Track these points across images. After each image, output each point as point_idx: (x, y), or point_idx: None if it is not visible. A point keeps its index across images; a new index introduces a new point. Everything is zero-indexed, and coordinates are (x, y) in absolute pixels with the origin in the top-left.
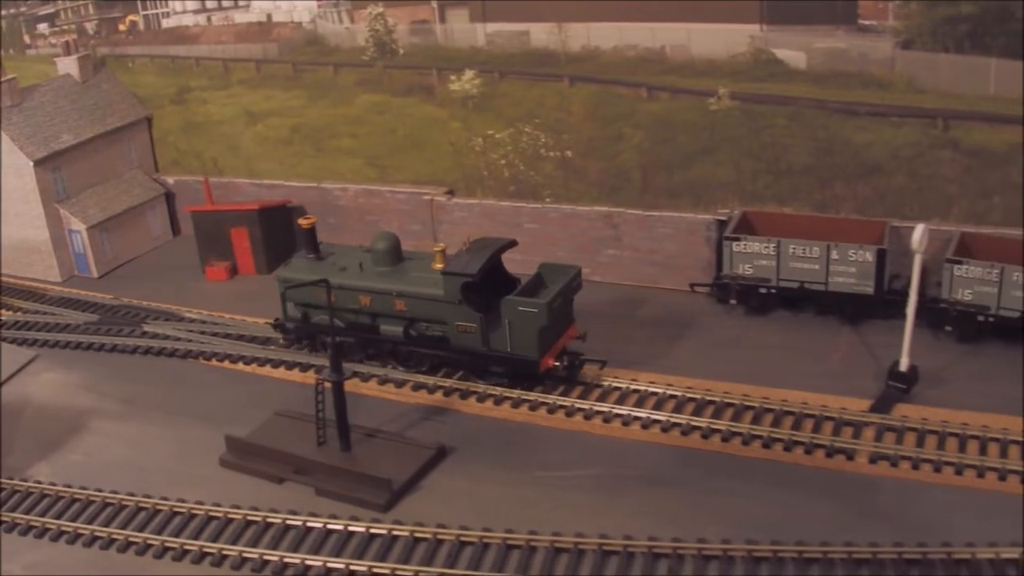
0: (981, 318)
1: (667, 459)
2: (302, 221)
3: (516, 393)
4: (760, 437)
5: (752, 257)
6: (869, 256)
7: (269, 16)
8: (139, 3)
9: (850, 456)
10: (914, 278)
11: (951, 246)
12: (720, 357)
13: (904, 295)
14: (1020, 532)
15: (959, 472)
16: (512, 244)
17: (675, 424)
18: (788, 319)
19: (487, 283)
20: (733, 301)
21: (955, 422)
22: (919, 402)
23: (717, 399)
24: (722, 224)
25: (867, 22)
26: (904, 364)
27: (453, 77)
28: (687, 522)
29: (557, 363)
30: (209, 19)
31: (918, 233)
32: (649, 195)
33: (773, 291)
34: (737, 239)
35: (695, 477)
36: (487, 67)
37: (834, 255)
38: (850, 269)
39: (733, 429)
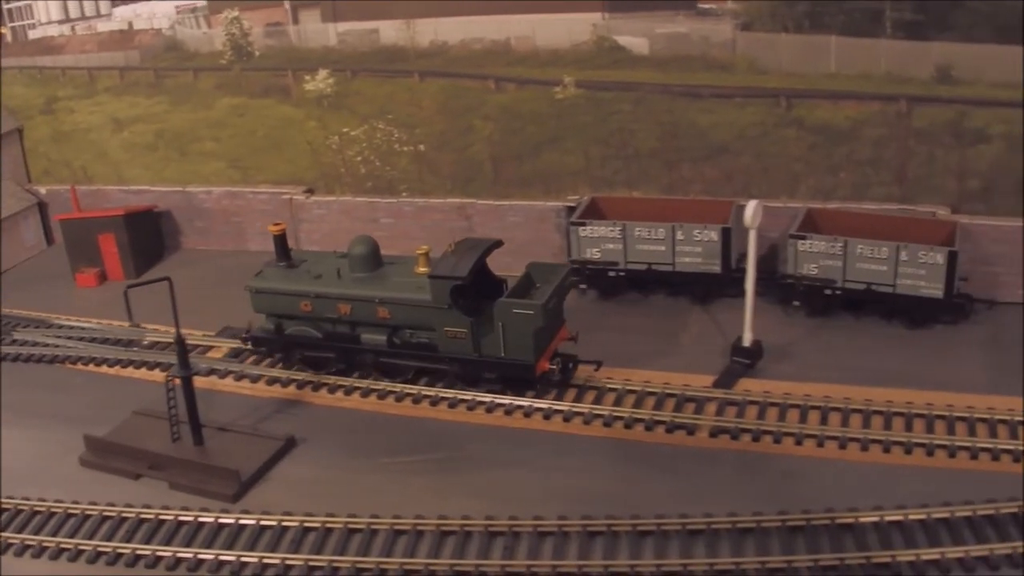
0: (828, 292)
1: (509, 440)
2: (271, 228)
3: (364, 383)
4: (602, 416)
5: (599, 241)
6: (714, 236)
7: (130, 24)
8: (5, 15)
9: (691, 431)
10: (750, 254)
11: (796, 222)
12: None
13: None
14: (859, 499)
15: (799, 442)
16: (498, 244)
17: (518, 407)
18: (639, 301)
19: (475, 286)
20: (583, 286)
21: (798, 394)
22: (764, 376)
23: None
24: (571, 210)
25: (707, 6)
26: (747, 339)
27: (308, 77)
28: (525, 501)
29: (553, 366)
30: (73, 29)
31: (750, 209)
32: (501, 185)
33: (622, 274)
34: (583, 224)
35: (535, 457)
36: (340, 66)
37: (679, 236)
38: (696, 249)
39: (575, 409)
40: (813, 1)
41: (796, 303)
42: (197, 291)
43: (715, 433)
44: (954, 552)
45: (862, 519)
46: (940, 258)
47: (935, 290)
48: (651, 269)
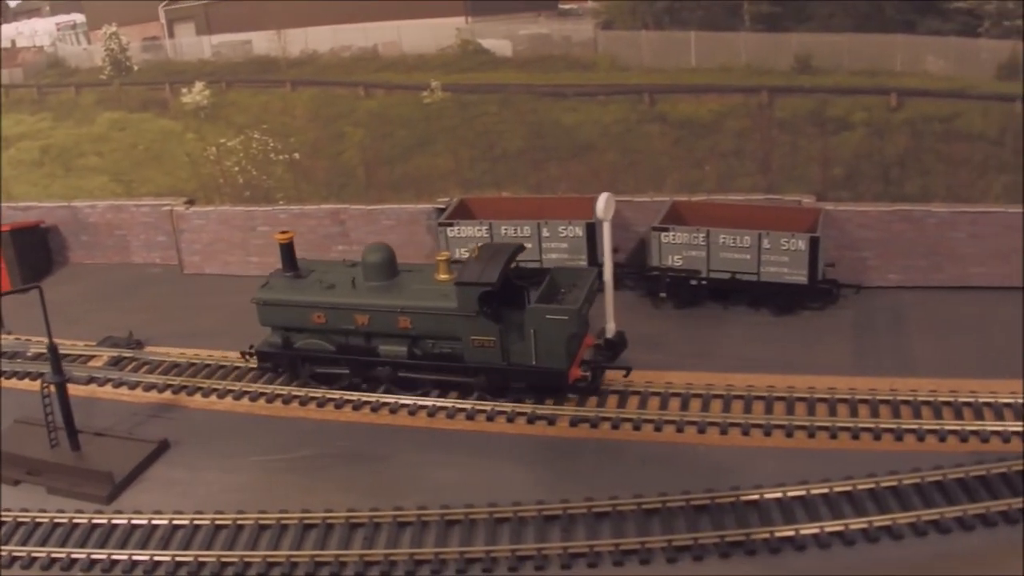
0: (693, 282)
1: (375, 437)
2: (278, 236)
3: (238, 386)
4: (464, 410)
5: (468, 241)
6: (579, 231)
7: (13, 42)
8: None
9: (551, 422)
10: (605, 246)
11: (660, 215)
12: None
13: (622, 267)
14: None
15: (658, 428)
16: (521, 249)
17: (384, 404)
18: None
19: (501, 292)
20: None
21: (659, 382)
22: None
23: None
24: (440, 212)
25: (568, 6)
26: (610, 331)
27: (184, 90)
28: (387, 493)
29: (585, 373)
30: None
31: (601, 202)
32: (373, 190)
33: None
34: (451, 225)
35: (399, 452)
36: (215, 78)
37: (545, 232)
38: (562, 245)
39: (439, 405)
40: None
41: (663, 295)
42: (82, 303)
43: (575, 423)
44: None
45: (719, 500)
46: (802, 244)
47: (799, 276)
48: (520, 266)
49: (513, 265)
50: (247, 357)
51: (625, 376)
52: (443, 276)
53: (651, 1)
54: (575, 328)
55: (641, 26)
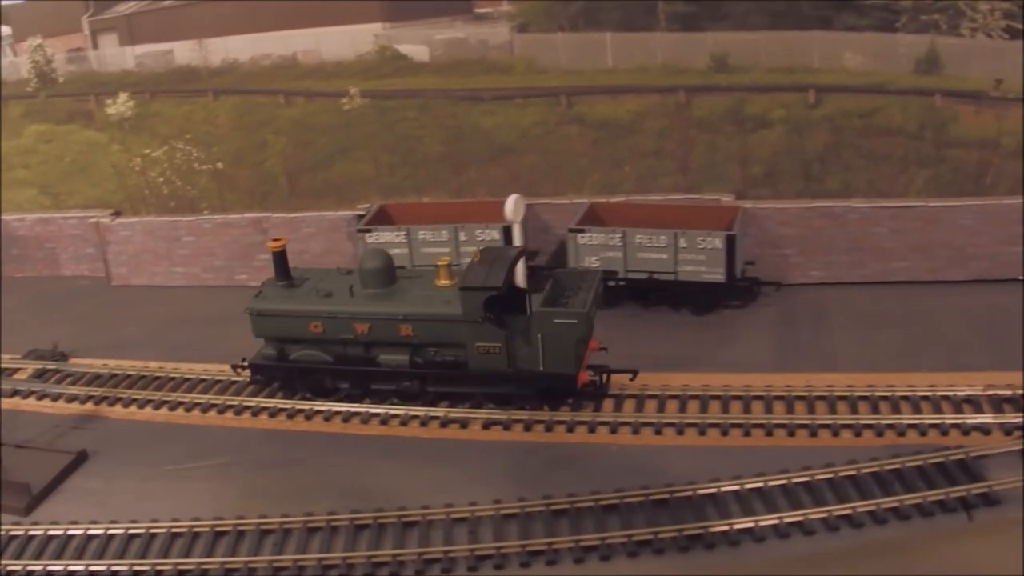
0: (612, 283)
1: (287, 443)
2: (271, 244)
3: (158, 395)
4: (378, 415)
5: (387, 247)
6: (496, 235)
7: None
8: None
9: (464, 424)
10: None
11: (577, 216)
12: None
13: (543, 269)
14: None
15: (570, 430)
16: (523, 253)
17: (299, 410)
18: None
19: (505, 297)
20: None
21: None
22: None
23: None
24: (360, 218)
25: (483, 9)
26: None
27: (109, 101)
28: (298, 499)
29: (594, 377)
30: None
31: (510, 204)
32: (296, 197)
33: None
34: (369, 231)
35: (311, 457)
36: (139, 89)
37: (462, 236)
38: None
39: (352, 410)
40: None
41: None
42: (10, 317)
43: (488, 425)
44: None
45: (628, 499)
46: (719, 243)
47: (717, 275)
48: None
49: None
50: (239, 371)
51: (631, 379)
52: (444, 282)
53: (567, 2)
54: (584, 332)
55: (557, 28)
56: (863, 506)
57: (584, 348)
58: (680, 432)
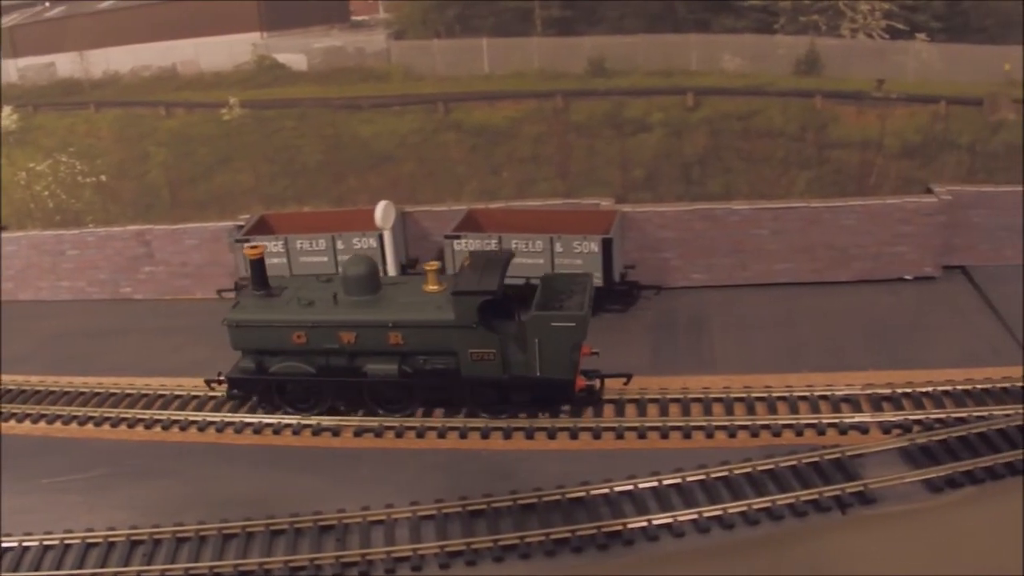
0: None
1: (164, 454)
2: (248, 251)
3: (36, 409)
4: (251, 424)
5: (267, 257)
6: (372, 242)
7: None
8: None
9: (336, 433)
10: (388, 255)
11: (453, 223)
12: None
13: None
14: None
15: (441, 435)
16: (512, 256)
17: (175, 421)
18: None
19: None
20: None
21: None
22: None
23: (201, 395)
24: (240, 229)
25: (360, 18)
26: None
27: None
28: (170, 509)
29: (591, 382)
30: None
31: (379, 210)
32: (178, 209)
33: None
34: (247, 241)
35: (185, 468)
36: (22, 102)
37: (340, 245)
38: None
39: (226, 420)
40: (463, 4)
41: None
42: None
43: (359, 433)
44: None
45: (495, 504)
46: (595, 247)
47: (595, 279)
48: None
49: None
50: (213, 386)
51: (625, 384)
52: (433, 287)
53: (442, 8)
54: (581, 336)
55: (433, 35)
56: (734, 506)
57: (578, 353)
58: (551, 436)
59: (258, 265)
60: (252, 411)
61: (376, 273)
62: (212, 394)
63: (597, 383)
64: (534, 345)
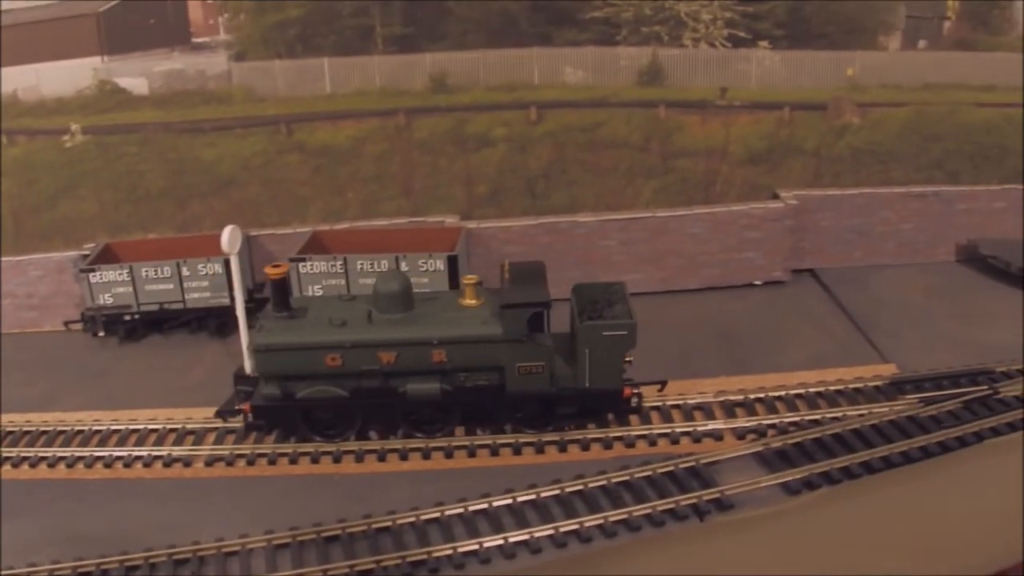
0: None
1: (19, 491)
2: (270, 270)
3: None
4: (102, 458)
5: (111, 286)
6: (218, 268)
7: None
8: None
9: (187, 463)
10: (235, 279)
11: (299, 246)
12: (88, 389)
13: (268, 301)
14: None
15: (294, 461)
16: (544, 266)
17: (24, 457)
18: (160, 342)
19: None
20: (101, 333)
21: None
22: None
23: (68, 428)
24: (85, 259)
25: (201, 39)
26: (249, 367)
27: None
28: (23, 550)
29: (636, 391)
30: None
31: (225, 235)
32: (23, 239)
33: (136, 316)
34: (92, 270)
35: (37, 505)
36: None
37: (185, 272)
38: (203, 283)
39: (77, 454)
40: (304, 23)
41: None
42: None
43: (211, 462)
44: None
45: (350, 529)
46: (441, 264)
47: None
48: (163, 308)
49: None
50: (227, 418)
51: (660, 391)
52: (471, 301)
53: (283, 29)
54: (631, 343)
55: (274, 55)
56: (591, 520)
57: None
58: (403, 458)
59: (280, 286)
60: (102, 444)
61: (410, 289)
62: (60, 428)
63: (642, 391)
64: (584, 355)
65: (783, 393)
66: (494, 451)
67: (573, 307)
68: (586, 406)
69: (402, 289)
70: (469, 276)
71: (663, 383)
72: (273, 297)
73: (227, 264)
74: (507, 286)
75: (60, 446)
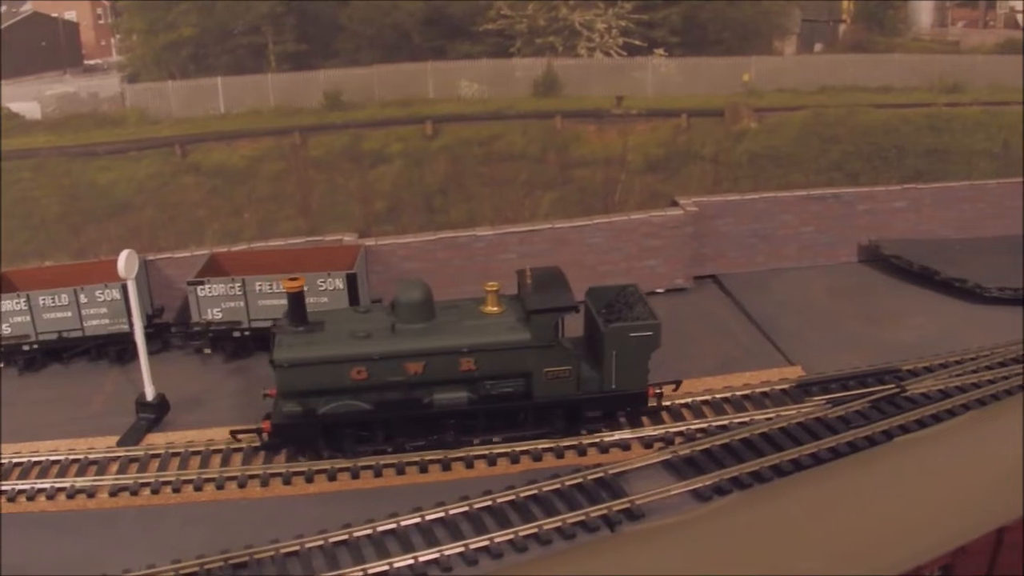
0: (236, 334)
1: None
2: (287, 283)
3: None
4: (5, 492)
5: (8, 316)
6: (116, 294)
7: None
8: None
9: (91, 494)
10: (133, 305)
11: (197, 269)
12: None
13: (171, 326)
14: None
15: (199, 488)
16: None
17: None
18: (60, 371)
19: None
20: (0, 364)
21: (201, 440)
22: (173, 428)
23: None
24: None
25: (93, 61)
26: (150, 394)
27: None
28: None
29: (658, 390)
30: None
31: (122, 260)
32: None
33: (35, 346)
34: None
35: None
36: None
37: (83, 299)
38: (102, 310)
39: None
40: (196, 43)
41: (208, 350)
42: None
43: (115, 492)
44: None
45: (258, 555)
46: (340, 283)
47: None
48: (63, 337)
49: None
50: (239, 437)
51: (674, 390)
52: (493, 308)
53: (175, 50)
54: (657, 343)
55: (167, 76)
56: (501, 535)
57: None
58: (309, 480)
59: (297, 299)
60: (5, 478)
61: (432, 298)
62: None
63: (663, 389)
64: (611, 358)
65: (689, 400)
66: (400, 470)
67: (591, 310)
68: (612, 408)
69: (425, 299)
70: (491, 283)
71: (678, 383)
72: (289, 311)
73: (125, 290)
74: (531, 292)
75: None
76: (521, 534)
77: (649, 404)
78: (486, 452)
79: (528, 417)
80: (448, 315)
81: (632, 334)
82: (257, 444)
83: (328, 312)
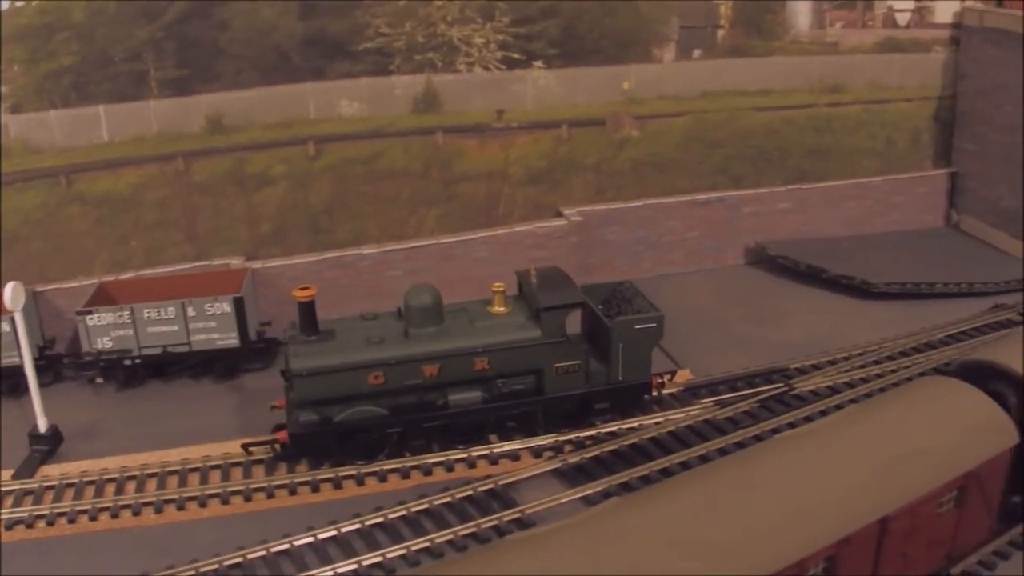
0: (128, 362)
1: None
2: (298, 293)
3: None
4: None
5: None
6: (5, 326)
7: None
8: None
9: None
10: (21, 338)
11: (86, 299)
12: None
13: (62, 357)
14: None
15: (93, 518)
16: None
17: None
18: None
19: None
20: None
21: (95, 470)
22: (68, 459)
23: None
24: None
25: None
26: (42, 426)
27: None
28: None
29: (660, 380)
30: None
31: (8, 292)
32: None
33: None
34: None
35: None
36: None
37: None
38: None
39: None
40: (77, 72)
41: (100, 380)
42: None
43: (11, 526)
44: None
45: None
46: (227, 307)
47: (230, 340)
48: None
49: None
50: (250, 450)
51: (670, 380)
52: (500, 308)
53: (57, 79)
54: (660, 335)
55: (49, 106)
56: (393, 551)
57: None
58: (203, 505)
59: (308, 308)
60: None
61: (441, 303)
62: None
63: (664, 379)
64: (617, 351)
65: None
66: (292, 490)
67: (591, 307)
68: (618, 399)
69: (435, 303)
70: (497, 284)
71: (673, 372)
72: (301, 321)
73: (12, 322)
74: (538, 290)
75: None
76: (414, 548)
77: (653, 393)
78: (376, 469)
79: (539, 412)
80: (457, 318)
81: (637, 327)
82: (271, 456)
83: (334, 321)
